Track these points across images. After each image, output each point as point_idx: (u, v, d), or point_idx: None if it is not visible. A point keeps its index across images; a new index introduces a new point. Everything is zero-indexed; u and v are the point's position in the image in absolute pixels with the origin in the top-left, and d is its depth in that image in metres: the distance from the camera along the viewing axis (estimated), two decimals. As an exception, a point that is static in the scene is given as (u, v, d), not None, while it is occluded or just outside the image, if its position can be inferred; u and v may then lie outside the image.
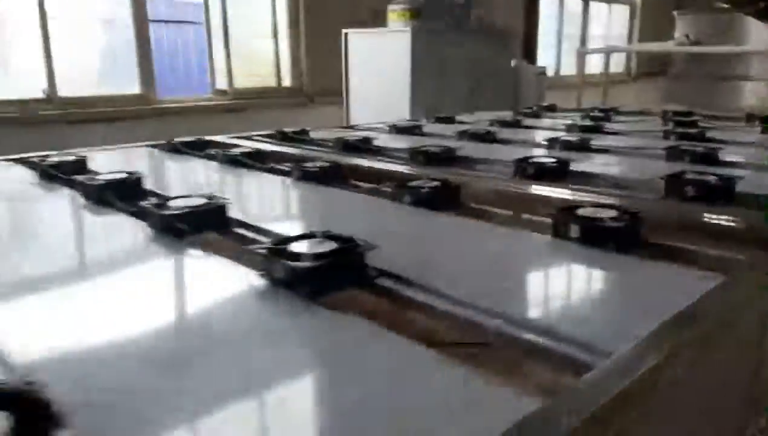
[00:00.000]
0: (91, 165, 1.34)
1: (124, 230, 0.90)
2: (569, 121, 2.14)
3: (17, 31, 3.36)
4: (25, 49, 3.37)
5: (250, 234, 0.85)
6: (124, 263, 0.78)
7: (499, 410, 0.41)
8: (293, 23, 4.43)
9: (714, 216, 0.82)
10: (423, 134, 1.98)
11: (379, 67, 3.57)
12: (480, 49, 3.67)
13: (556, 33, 7.97)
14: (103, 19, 3.75)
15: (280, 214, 1.09)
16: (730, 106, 5.15)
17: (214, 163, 1.46)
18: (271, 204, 1.16)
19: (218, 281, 0.68)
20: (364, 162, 1.37)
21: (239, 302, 0.62)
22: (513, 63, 3.89)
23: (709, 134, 1.79)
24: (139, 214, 0.92)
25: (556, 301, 0.62)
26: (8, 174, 1.38)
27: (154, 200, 0.93)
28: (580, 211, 0.79)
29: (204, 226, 0.84)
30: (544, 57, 7.43)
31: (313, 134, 1.92)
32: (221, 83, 4.08)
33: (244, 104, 4.13)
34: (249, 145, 1.73)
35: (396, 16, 3.66)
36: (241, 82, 4.18)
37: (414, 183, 1.02)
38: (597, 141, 1.64)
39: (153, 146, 1.70)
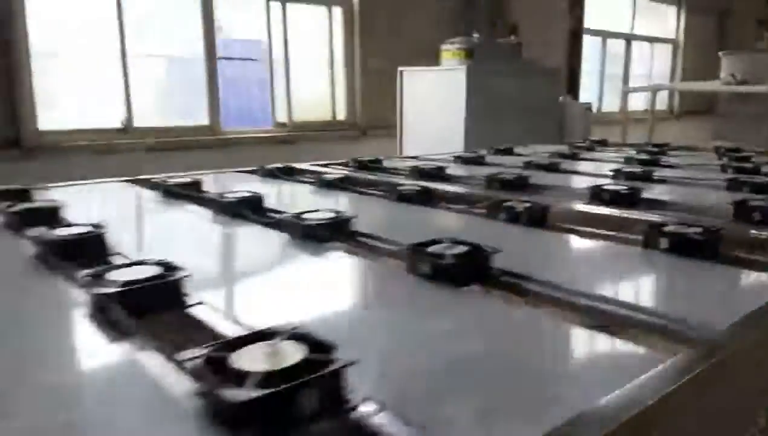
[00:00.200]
0: (204, 187, 1.51)
1: (268, 237, 1.05)
2: (625, 155, 2.26)
3: (100, 67, 3.65)
4: (106, 83, 3.66)
5: (374, 242, 0.99)
6: (295, 259, 0.94)
7: (634, 366, 0.53)
8: (348, 61, 4.66)
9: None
10: (487, 164, 2.12)
11: (433, 102, 3.76)
12: (528, 86, 3.82)
13: (597, 72, 8.10)
14: (175, 56, 4.04)
15: (393, 226, 1.21)
16: (776, 144, 5.17)
17: (310, 186, 1.62)
18: (379, 218, 1.29)
19: (374, 274, 0.82)
20: (448, 187, 1.52)
21: (401, 288, 0.77)
22: (561, 99, 4.04)
23: (765, 169, 1.89)
24: (274, 225, 1.08)
25: (658, 292, 0.75)
26: (134, 193, 1.56)
27: (285, 214, 1.09)
28: (667, 228, 0.91)
29: (336, 235, 1.00)
30: (585, 95, 7.55)
31: (386, 163, 2.07)
32: (281, 116, 4.32)
33: (301, 136, 4.36)
34: (332, 171, 1.90)
35: (450, 55, 3.85)
36: (299, 115, 4.41)
37: (507, 204, 1.16)
38: (658, 173, 1.75)
39: (250, 172, 1.88)
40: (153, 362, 0.55)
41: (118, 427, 0.45)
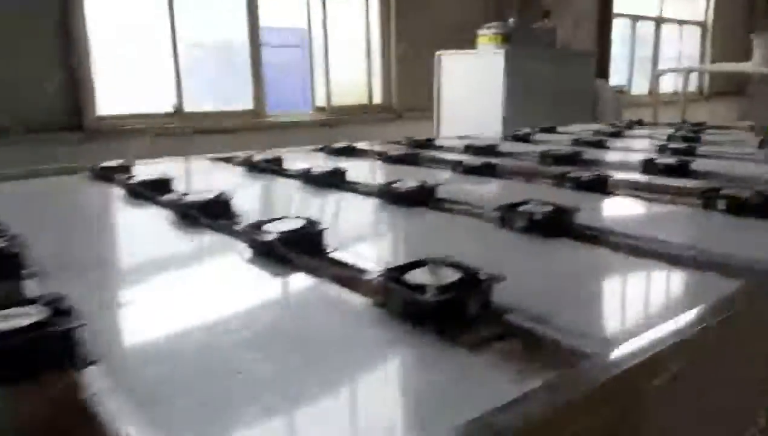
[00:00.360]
0: (285, 163, 1.67)
1: (366, 202, 1.20)
2: (665, 132, 2.36)
3: (153, 54, 3.84)
4: (158, 70, 3.85)
5: (459, 206, 1.13)
6: (400, 218, 1.09)
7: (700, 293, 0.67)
8: (385, 46, 4.79)
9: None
10: (534, 142, 2.24)
11: (470, 85, 3.87)
12: (563, 70, 3.92)
13: (625, 55, 8.10)
14: (220, 43, 4.21)
15: (470, 194, 1.28)
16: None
17: (377, 162, 1.77)
18: (456, 188, 1.36)
19: (473, 229, 0.97)
20: (508, 162, 1.65)
21: (503, 238, 0.91)
22: (596, 82, 4.13)
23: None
24: (367, 192, 1.24)
25: (720, 240, 0.88)
26: (223, 168, 1.72)
27: (371, 184, 1.24)
28: (723, 192, 1.04)
29: (425, 200, 1.14)
30: (614, 78, 7.57)
31: (438, 142, 2.21)
32: (319, 101, 4.48)
33: (339, 119, 4.51)
34: (391, 149, 2.04)
35: (487, 40, 3.96)
36: (336, 99, 4.55)
37: (572, 175, 1.29)
38: (700, 148, 1.87)
39: (315, 151, 2.03)
40: (329, 287, 0.70)
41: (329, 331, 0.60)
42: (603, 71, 6.16)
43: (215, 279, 0.78)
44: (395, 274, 0.62)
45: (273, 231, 0.84)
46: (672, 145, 1.88)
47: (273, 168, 1.63)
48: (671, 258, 0.78)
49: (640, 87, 8.14)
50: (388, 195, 1.18)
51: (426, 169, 1.65)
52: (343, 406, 0.47)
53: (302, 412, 0.45)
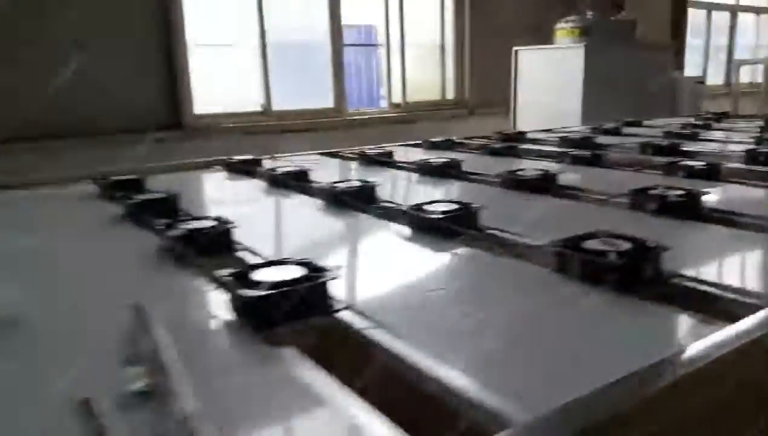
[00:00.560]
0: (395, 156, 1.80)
1: (489, 190, 1.32)
2: (756, 124, 2.38)
3: (242, 55, 4.08)
4: (248, 70, 4.08)
5: (581, 194, 1.23)
6: (526, 201, 1.20)
7: None
8: (458, 43, 4.89)
9: None
10: (624, 135, 2.30)
11: (548, 80, 3.93)
12: (642, 63, 3.92)
13: (696, 45, 7.89)
14: (300, 43, 4.41)
15: (589, 181, 1.38)
16: None
17: (480, 155, 1.88)
18: (573, 176, 1.45)
19: (607, 213, 1.07)
20: (611, 153, 1.73)
21: (635, 223, 1.01)
22: (675, 74, 4.10)
23: None
24: (492, 181, 1.35)
25: None
26: (338, 163, 1.87)
27: (489, 173, 1.35)
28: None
29: (548, 186, 1.25)
30: (688, 70, 7.40)
31: (529, 135, 2.30)
32: (385, 97, 4.65)
33: (414, 116, 4.63)
34: (486, 142, 2.15)
35: (565, 34, 4.00)
36: (409, 95, 4.69)
37: (682, 163, 1.37)
38: (799, 139, 1.89)
39: (414, 145, 2.16)
40: (502, 258, 0.82)
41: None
42: (679, 63, 6.06)
43: (401, 250, 0.91)
44: (572, 244, 0.73)
45: (435, 211, 0.97)
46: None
47: (386, 160, 1.78)
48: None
49: (712, 78, 7.92)
50: (512, 182, 1.29)
51: (530, 160, 1.75)
52: (564, 347, 0.59)
53: (523, 351, 0.57)
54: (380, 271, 0.81)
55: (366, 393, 0.48)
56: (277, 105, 4.14)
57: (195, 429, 0.41)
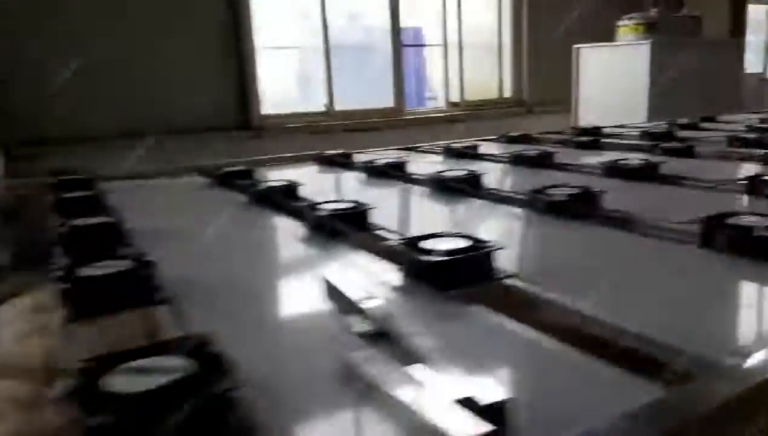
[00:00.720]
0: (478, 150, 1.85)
1: (600, 180, 1.35)
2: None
3: (307, 57, 4.21)
4: (312, 71, 4.21)
5: (684, 181, 1.26)
6: (623, 190, 1.23)
7: None
8: (516, 42, 4.90)
9: None
10: (703, 129, 2.29)
11: (611, 77, 3.92)
12: (707, 58, 3.87)
13: (753, 41, 7.69)
14: (359, 44, 4.51)
15: (690, 171, 1.42)
16: None
17: (564, 147, 1.91)
18: (669, 166, 1.49)
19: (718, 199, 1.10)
20: (699, 146, 1.74)
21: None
22: (743, 70, 4.03)
23: None
24: (592, 171, 1.39)
25: None
26: (422, 156, 1.93)
27: (587, 163, 1.39)
28: None
29: (650, 174, 1.28)
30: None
31: (606, 130, 2.32)
32: (437, 96, 4.72)
33: (471, 114, 4.67)
34: (561, 137, 2.19)
35: (628, 30, 3.98)
36: (467, 94, 4.73)
37: (781, 152, 1.38)
38: None
39: (491, 140, 2.20)
40: (639, 237, 0.87)
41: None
42: (740, 59, 5.92)
43: (534, 228, 0.97)
44: (716, 221, 0.77)
45: (562, 194, 1.02)
46: None
47: (473, 153, 1.83)
48: None
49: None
50: (616, 171, 1.33)
51: (617, 152, 1.77)
52: (723, 304, 0.64)
53: (687, 308, 0.62)
54: (524, 246, 0.87)
55: (567, 338, 0.54)
56: (339, 105, 4.26)
57: (426, 360, 0.47)
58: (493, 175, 1.40)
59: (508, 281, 0.69)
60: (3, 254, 1.29)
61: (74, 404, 0.40)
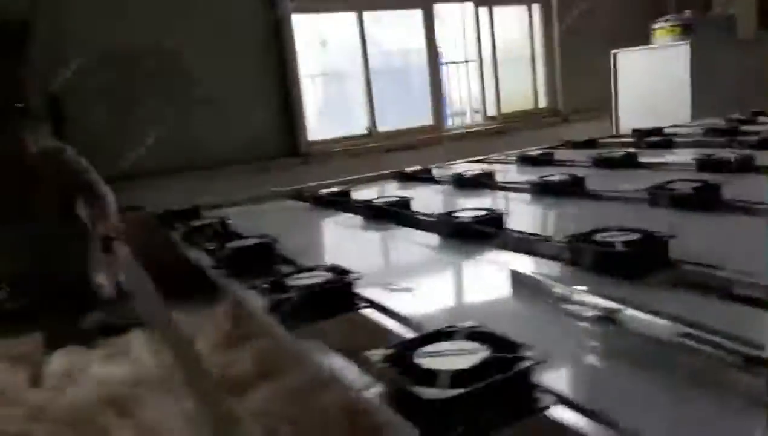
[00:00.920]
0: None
1: (698, 175, 1.39)
2: None
3: (348, 81, 4.32)
4: (354, 95, 4.32)
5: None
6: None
7: None
8: (548, 52, 4.96)
9: None
10: (761, 123, 2.32)
11: (651, 80, 3.95)
12: (745, 57, 3.88)
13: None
14: (396, 67, 4.61)
15: None
16: None
17: (638, 149, 1.95)
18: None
19: None
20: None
21: None
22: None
23: None
24: (684, 167, 1.43)
25: None
26: (500, 164, 1.98)
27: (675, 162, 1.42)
28: None
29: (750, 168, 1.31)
30: None
31: (666, 130, 2.35)
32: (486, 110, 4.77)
33: (509, 127, 4.72)
34: (626, 140, 2.23)
35: (665, 33, 4.02)
36: (503, 107, 4.80)
37: None
38: None
39: (556, 147, 2.24)
40: None
41: None
42: (769, 54, 5.91)
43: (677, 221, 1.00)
44: None
45: (686, 187, 1.06)
46: None
47: (550, 160, 1.87)
48: None
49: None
50: (709, 165, 1.36)
51: (692, 149, 1.81)
52: None
53: None
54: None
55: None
56: (385, 126, 4.37)
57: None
58: (592, 178, 1.44)
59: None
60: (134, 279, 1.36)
61: (402, 384, 0.45)
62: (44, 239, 1.62)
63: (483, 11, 4.74)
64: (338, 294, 0.71)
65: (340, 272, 0.75)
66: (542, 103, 5.11)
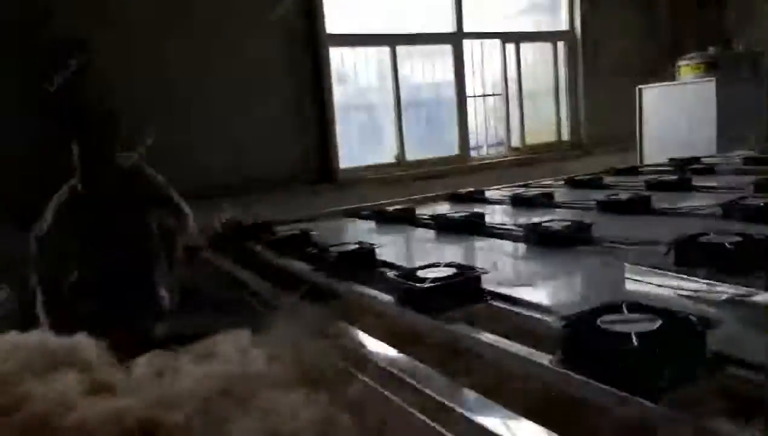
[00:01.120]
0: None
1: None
2: None
3: (379, 113, 4.45)
4: (384, 126, 4.44)
5: None
6: None
7: None
8: (572, 87, 5.09)
9: None
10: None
11: (676, 115, 4.04)
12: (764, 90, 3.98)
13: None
14: (423, 99, 4.73)
15: None
16: None
17: (691, 175, 2.01)
18: None
19: None
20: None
21: None
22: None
23: None
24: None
25: None
26: (551, 187, 2.05)
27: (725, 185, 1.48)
28: None
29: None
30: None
31: (704, 160, 2.41)
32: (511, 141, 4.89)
33: (532, 158, 4.81)
34: (663, 168, 2.30)
35: (689, 70, 4.13)
36: (527, 139, 4.91)
37: None
38: None
39: (596, 174, 2.31)
40: None
41: None
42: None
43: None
44: None
45: (756, 204, 1.12)
46: None
47: (599, 184, 1.94)
48: None
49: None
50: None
51: (733, 176, 1.87)
52: None
53: None
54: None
55: None
56: (413, 155, 4.49)
57: None
58: (655, 197, 1.49)
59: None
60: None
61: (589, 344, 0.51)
62: (127, 251, 1.68)
63: (510, 47, 4.88)
64: (469, 286, 0.77)
65: (463, 268, 0.81)
66: (565, 136, 5.21)
